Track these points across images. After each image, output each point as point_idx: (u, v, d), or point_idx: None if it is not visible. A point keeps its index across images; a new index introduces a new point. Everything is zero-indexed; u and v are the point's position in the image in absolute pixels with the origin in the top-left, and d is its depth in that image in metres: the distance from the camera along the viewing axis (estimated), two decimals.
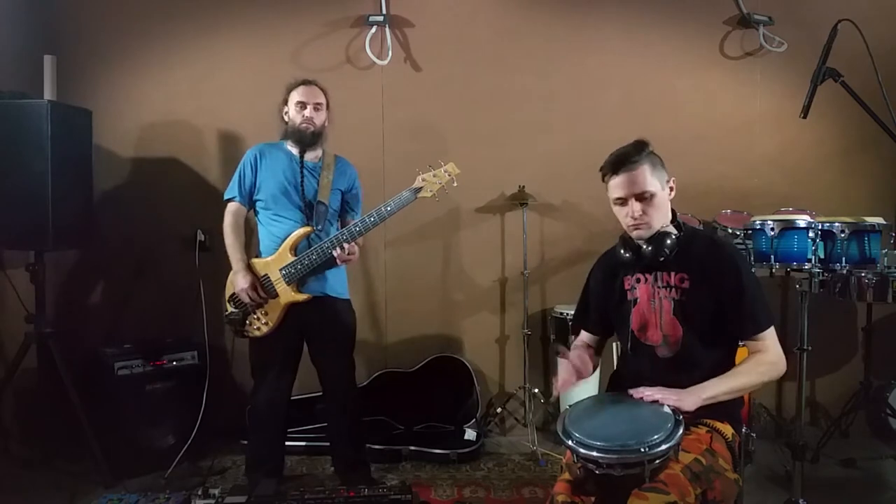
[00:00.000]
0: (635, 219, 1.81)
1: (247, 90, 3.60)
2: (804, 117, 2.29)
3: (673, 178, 1.87)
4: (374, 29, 3.59)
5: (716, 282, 1.78)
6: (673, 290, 1.83)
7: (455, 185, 2.76)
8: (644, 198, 1.80)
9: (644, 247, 1.83)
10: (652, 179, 1.80)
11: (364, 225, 2.67)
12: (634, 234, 1.85)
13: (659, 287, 1.85)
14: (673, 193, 1.87)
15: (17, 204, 2.84)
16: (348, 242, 2.64)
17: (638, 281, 1.89)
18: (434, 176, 2.73)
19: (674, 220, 1.87)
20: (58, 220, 2.86)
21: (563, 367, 1.83)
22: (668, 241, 1.80)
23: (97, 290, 3.58)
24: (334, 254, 2.64)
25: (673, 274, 1.83)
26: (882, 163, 3.69)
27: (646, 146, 1.83)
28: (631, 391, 1.71)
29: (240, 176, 2.77)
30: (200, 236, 3.47)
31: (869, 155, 3.70)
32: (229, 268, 2.79)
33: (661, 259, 1.81)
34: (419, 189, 2.72)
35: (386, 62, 3.62)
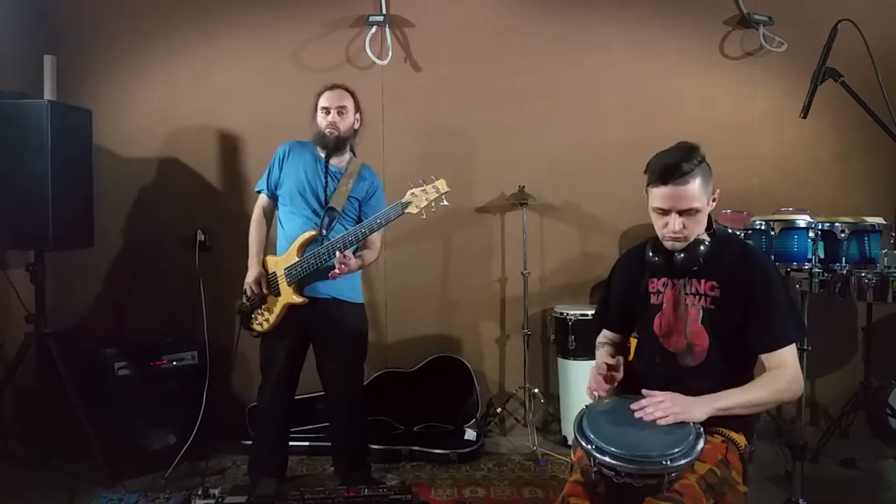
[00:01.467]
0: (675, 232, 1.72)
1: (247, 90, 3.61)
2: (804, 117, 2.29)
3: (718, 190, 1.77)
4: (374, 29, 3.59)
5: (745, 291, 1.71)
6: (702, 298, 1.76)
7: (444, 203, 2.66)
8: (689, 213, 1.70)
9: (676, 255, 1.76)
10: (700, 195, 1.68)
11: (354, 236, 2.63)
12: (669, 244, 1.77)
13: (687, 294, 1.79)
14: (715, 204, 1.77)
15: (17, 204, 2.83)
16: (340, 251, 2.59)
17: (665, 285, 1.84)
18: (423, 191, 2.64)
19: (709, 227, 1.79)
20: (58, 220, 2.86)
21: (593, 376, 1.79)
22: (702, 249, 1.73)
23: (97, 290, 3.57)
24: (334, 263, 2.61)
25: (703, 281, 1.77)
26: (882, 163, 3.69)
27: (698, 153, 1.69)
28: (634, 407, 1.64)
29: (269, 170, 2.83)
30: (200, 236, 3.47)
31: (869, 155, 3.70)
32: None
33: (695, 269, 1.75)
34: (407, 204, 2.64)
35: (386, 62, 3.62)
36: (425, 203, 2.64)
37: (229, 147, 3.62)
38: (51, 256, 3.12)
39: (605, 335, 2.06)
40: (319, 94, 2.79)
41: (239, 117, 3.60)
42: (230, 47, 3.62)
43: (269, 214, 2.87)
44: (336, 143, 2.74)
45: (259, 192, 2.86)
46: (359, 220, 2.83)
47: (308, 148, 2.82)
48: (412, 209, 2.64)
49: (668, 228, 1.73)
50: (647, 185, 1.76)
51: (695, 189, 1.68)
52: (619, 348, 2.02)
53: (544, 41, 3.73)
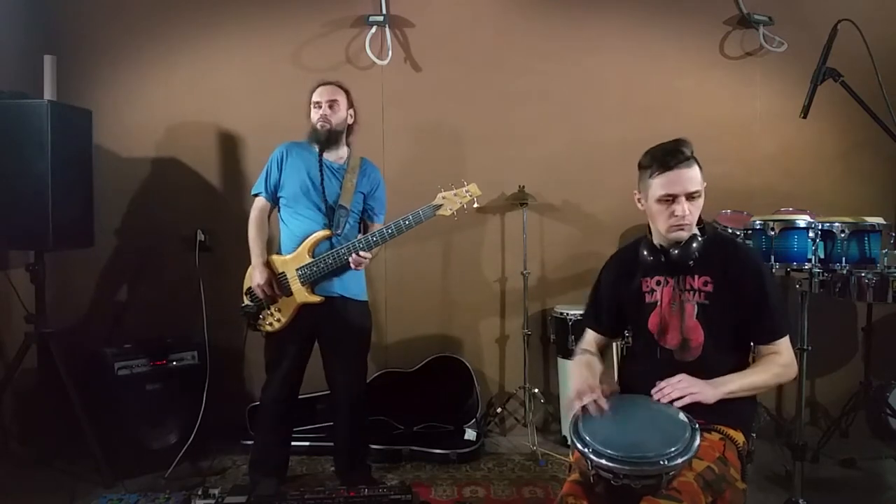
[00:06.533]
0: (680, 217, 1.74)
1: (247, 90, 3.61)
2: (804, 117, 2.29)
3: (704, 184, 1.80)
4: (374, 29, 3.59)
5: (738, 286, 1.75)
6: (697, 293, 1.79)
7: (476, 206, 2.76)
8: (694, 197, 1.75)
9: (672, 252, 1.79)
10: (700, 180, 1.76)
11: (381, 236, 2.67)
12: (674, 235, 1.77)
13: (682, 290, 1.82)
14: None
15: (17, 204, 2.83)
16: (364, 251, 2.64)
17: (658, 283, 1.86)
18: (455, 195, 2.72)
19: (698, 222, 1.84)
20: (58, 220, 2.86)
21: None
22: (695, 245, 1.77)
23: (97, 290, 3.58)
24: (350, 260, 2.64)
25: (696, 277, 1.80)
26: (882, 163, 3.69)
27: (691, 144, 1.78)
28: (653, 392, 1.67)
29: (266, 172, 2.81)
30: (200, 236, 3.47)
31: (869, 155, 3.70)
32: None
33: (690, 263, 1.77)
34: (438, 206, 2.71)
35: (386, 62, 3.62)
36: (458, 205, 2.71)
37: (229, 147, 3.62)
38: (51, 256, 3.13)
39: (587, 342, 2.04)
40: (313, 91, 2.81)
41: (239, 117, 3.60)
42: (230, 47, 3.62)
43: (267, 217, 2.86)
44: (329, 137, 2.76)
45: (256, 194, 2.84)
46: (363, 215, 2.87)
47: (306, 148, 2.83)
48: (444, 211, 2.71)
49: (677, 214, 1.73)
50: (649, 178, 1.78)
51: (697, 172, 1.75)
52: (602, 355, 2.02)
53: (544, 41, 3.72)
